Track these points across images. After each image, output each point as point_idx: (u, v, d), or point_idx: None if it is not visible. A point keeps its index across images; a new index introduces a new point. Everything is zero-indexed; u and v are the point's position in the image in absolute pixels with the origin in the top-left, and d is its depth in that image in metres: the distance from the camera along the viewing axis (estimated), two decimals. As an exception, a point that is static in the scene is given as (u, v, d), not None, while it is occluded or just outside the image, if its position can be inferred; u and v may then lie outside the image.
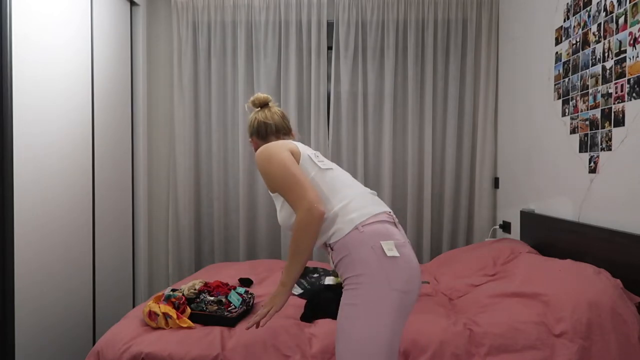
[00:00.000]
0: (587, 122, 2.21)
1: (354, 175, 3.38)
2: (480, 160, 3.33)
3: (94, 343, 2.70)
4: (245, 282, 2.44)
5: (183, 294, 1.93)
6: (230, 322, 1.83)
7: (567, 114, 2.39)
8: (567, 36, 2.40)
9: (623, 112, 1.96)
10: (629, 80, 1.92)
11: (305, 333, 1.76)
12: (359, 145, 3.35)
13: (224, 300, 1.89)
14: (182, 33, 3.37)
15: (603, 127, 2.09)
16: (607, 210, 2.06)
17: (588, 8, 2.22)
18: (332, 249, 1.45)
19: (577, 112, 2.30)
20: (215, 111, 3.40)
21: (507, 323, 1.73)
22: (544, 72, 2.64)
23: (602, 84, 2.11)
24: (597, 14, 2.15)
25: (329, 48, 3.44)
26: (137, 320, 1.87)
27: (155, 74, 3.50)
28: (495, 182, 3.34)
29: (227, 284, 2.09)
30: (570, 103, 2.36)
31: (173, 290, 2.00)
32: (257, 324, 1.47)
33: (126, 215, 3.13)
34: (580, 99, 2.27)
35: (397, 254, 1.38)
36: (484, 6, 3.30)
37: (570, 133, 2.35)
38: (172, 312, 1.81)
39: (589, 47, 2.21)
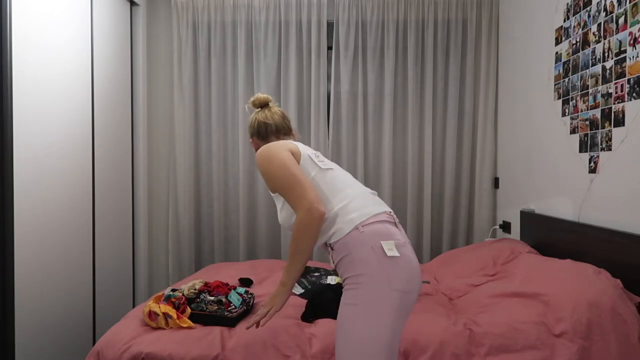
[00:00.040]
0: (587, 122, 2.21)
1: (354, 175, 3.38)
2: (480, 160, 3.33)
3: (94, 343, 2.70)
4: (245, 282, 2.44)
5: (183, 294, 1.93)
6: (230, 322, 1.84)
7: (567, 114, 2.39)
8: (567, 36, 2.40)
9: (623, 112, 1.96)
10: (629, 80, 1.92)
11: (305, 333, 1.76)
12: (359, 145, 3.35)
13: (224, 300, 1.89)
14: (182, 33, 3.37)
15: (603, 127, 2.09)
16: (607, 210, 2.06)
17: (588, 8, 2.22)
18: (332, 249, 1.45)
19: (577, 112, 2.30)
20: (215, 111, 3.40)
21: (507, 323, 1.73)
22: (544, 72, 2.64)
23: (602, 84, 2.11)
24: (597, 14, 2.15)
25: (329, 48, 3.44)
26: (137, 320, 1.87)
27: (155, 74, 3.50)
28: (495, 182, 3.34)
29: (227, 284, 2.09)
30: (570, 103, 2.36)
31: (173, 290, 2.00)
32: (257, 324, 1.47)
33: (126, 215, 3.13)
34: (580, 99, 2.27)
35: (397, 254, 1.38)
36: (484, 6, 3.31)
37: (570, 133, 2.35)
38: (172, 312, 1.81)
39: (589, 47, 2.21)
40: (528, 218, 2.70)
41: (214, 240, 3.42)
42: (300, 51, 3.39)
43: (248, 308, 1.98)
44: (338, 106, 3.41)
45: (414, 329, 1.71)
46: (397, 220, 1.53)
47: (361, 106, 3.35)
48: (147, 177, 3.45)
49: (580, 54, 2.28)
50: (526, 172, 2.84)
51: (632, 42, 1.90)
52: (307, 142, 3.38)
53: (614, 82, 2.02)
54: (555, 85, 2.52)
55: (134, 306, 3.25)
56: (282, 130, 1.72)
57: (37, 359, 2.20)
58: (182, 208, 3.37)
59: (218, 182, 3.41)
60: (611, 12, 2.05)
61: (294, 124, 3.34)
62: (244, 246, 3.38)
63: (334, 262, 1.47)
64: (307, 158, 1.54)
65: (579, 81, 2.29)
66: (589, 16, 2.22)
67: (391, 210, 1.55)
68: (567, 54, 2.40)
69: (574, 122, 2.32)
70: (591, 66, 2.19)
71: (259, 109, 1.76)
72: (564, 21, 2.43)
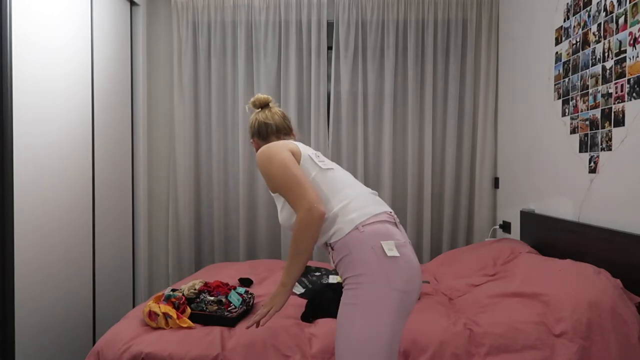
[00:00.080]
0: (587, 122, 2.21)
1: (354, 175, 3.38)
2: (480, 160, 3.33)
3: (94, 343, 2.70)
4: (245, 282, 2.44)
5: (183, 294, 1.93)
6: (230, 322, 1.84)
7: (567, 114, 2.39)
8: (567, 36, 2.40)
9: (623, 112, 1.96)
10: (629, 80, 1.92)
11: (305, 333, 1.76)
12: (359, 145, 3.36)
13: (224, 300, 1.89)
14: (182, 33, 3.37)
15: (603, 127, 2.09)
16: (607, 210, 2.06)
17: (588, 8, 2.22)
18: (332, 249, 1.45)
19: (577, 112, 2.30)
20: (215, 111, 3.40)
21: (507, 323, 1.73)
22: (544, 72, 2.64)
23: (602, 84, 2.11)
24: (597, 14, 2.15)
25: (329, 48, 3.44)
26: (137, 320, 1.87)
27: (155, 74, 3.50)
28: (495, 182, 3.34)
29: (227, 284, 2.09)
30: (570, 103, 2.36)
31: (173, 290, 2.00)
32: (257, 324, 1.47)
33: (126, 215, 3.13)
34: (580, 99, 2.27)
35: (397, 254, 1.38)
36: (484, 6, 3.31)
37: (570, 133, 2.35)
38: (172, 312, 1.81)
39: (589, 47, 2.21)
40: (528, 218, 2.70)
41: (214, 240, 3.42)
42: (300, 51, 3.39)
43: (248, 308, 1.98)
44: (338, 106, 3.41)
45: (414, 329, 1.71)
46: (397, 220, 1.53)
47: (361, 106, 3.35)
48: (147, 177, 3.45)
49: (580, 54, 2.28)
50: (526, 172, 2.84)
51: (632, 42, 1.90)
52: (307, 142, 3.38)
53: (614, 82, 2.02)
54: (555, 85, 2.52)
55: (134, 306, 3.25)
56: (282, 130, 1.72)
57: (37, 359, 2.20)
58: (182, 208, 3.37)
59: (218, 182, 3.41)
60: (611, 12, 2.05)
61: (294, 124, 3.34)
62: (244, 246, 3.38)
63: (334, 262, 1.47)
64: (308, 158, 1.54)
65: (579, 81, 2.29)
66: (589, 16, 2.22)
67: (391, 210, 1.55)
68: (567, 54, 2.40)
69: (574, 122, 2.32)
70: (591, 66, 2.19)
71: (260, 109, 1.76)
72: (564, 21, 2.43)
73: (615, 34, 2.01)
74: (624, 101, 1.95)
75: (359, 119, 3.36)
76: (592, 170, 2.17)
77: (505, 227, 3.13)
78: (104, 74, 2.83)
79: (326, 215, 1.45)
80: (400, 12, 3.33)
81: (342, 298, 1.42)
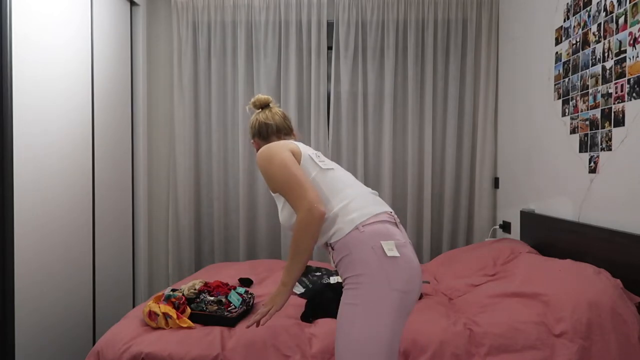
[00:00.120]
0: (587, 122, 2.21)
1: (354, 175, 3.38)
2: (480, 160, 3.33)
3: (94, 343, 2.70)
4: (245, 282, 2.44)
5: (183, 294, 1.93)
6: (230, 322, 1.84)
7: (567, 114, 2.39)
8: (567, 36, 2.40)
9: (623, 112, 1.96)
10: (629, 80, 1.92)
11: (305, 333, 1.76)
12: (359, 145, 3.36)
13: (224, 300, 1.89)
14: (182, 33, 3.37)
15: (603, 127, 2.09)
16: (607, 210, 2.06)
17: (588, 8, 2.22)
18: (332, 249, 1.45)
19: (577, 112, 2.30)
20: (215, 111, 3.40)
21: (507, 323, 1.73)
22: (544, 72, 2.64)
23: (602, 84, 2.11)
24: (597, 14, 2.15)
25: (329, 48, 3.44)
26: (137, 320, 1.87)
27: (155, 74, 3.50)
28: (495, 182, 3.34)
29: (227, 284, 2.09)
30: (570, 103, 2.36)
31: (173, 290, 2.00)
32: (258, 323, 1.47)
33: (126, 215, 3.13)
34: (580, 99, 2.27)
35: (397, 254, 1.38)
36: (484, 6, 3.31)
37: (570, 133, 2.35)
38: (172, 312, 1.81)
39: (589, 47, 2.21)
40: (528, 218, 2.70)
41: (214, 240, 3.42)
42: (300, 51, 3.39)
43: (248, 308, 1.98)
44: (338, 106, 3.41)
45: (414, 329, 1.71)
46: (397, 220, 1.53)
47: (361, 106, 3.35)
48: (147, 177, 3.45)
49: (580, 54, 2.28)
50: (526, 172, 2.84)
51: (632, 42, 1.90)
52: (307, 142, 3.38)
53: (614, 82, 2.02)
54: (555, 85, 2.52)
55: (134, 306, 3.25)
56: (283, 131, 1.72)
57: (37, 359, 2.20)
58: (182, 208, 3.37)
59: (218, 182, 3.41)
60: (611, 12, 2.05)
61: (294, 124, 3.34)
62: (244, 246, 3.38)
63: (334, 262, 1.47)
64: (308, 158, 1.54)
65: (579, 81, 2.29)
66: (589, 16, 2.22)
67: (392, 210, 1.55)
68: (567, 54, 2.40)
69: (574, 122, 2.32)
70: (591, 66, 2.19)
71: (260, 109, 1.76)
72: (564, 21, 2.43)
73: (615, 34, 2.01)
74: (624, 101, 1.95)
75: (359, 119, 3.36)
76: (592, 170, 2.17)
77: (505, 227, 3.13)
78: (104, 74, 2.83)
79: (326, 215, 1.45)
80: (400, 12, 3.33)
81: (342, 298, 1.42)
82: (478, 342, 1.68)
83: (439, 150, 3.40)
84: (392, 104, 3.35)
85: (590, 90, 2.20)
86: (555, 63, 2.52)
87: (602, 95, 2.10)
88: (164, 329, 1.79)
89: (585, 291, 1.76)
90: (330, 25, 3.41)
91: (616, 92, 2.00)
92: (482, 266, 2.39)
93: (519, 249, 2.44)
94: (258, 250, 3.42)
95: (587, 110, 2.21)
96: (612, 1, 2.05)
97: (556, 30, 2.51)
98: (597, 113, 2.14)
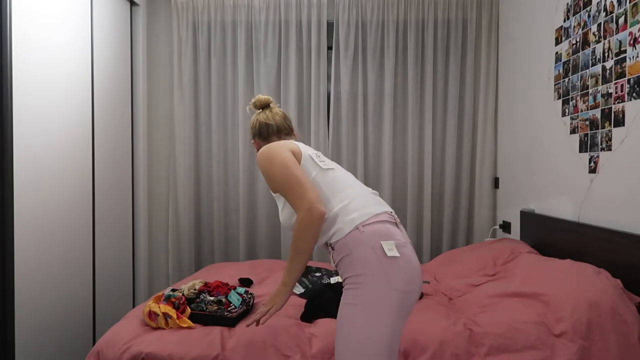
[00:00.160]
0: (587, 122, 2.21)
1: (354, 175, 3.38)
2: (480, 160, 3.33)
3: (94, 343, 2.70)
4: (245, 282, 2.44)
5: (183, 294, 1.93)
6: (230, 322, 1.84)
7: (567, 114, 2.39)
8: (567, 36, 2.40)
9: (623, 112, 1.96)
10: (629, 80, 1.92)
11: (305, 333, 1.76)
12: (359, 145, 3.36)
13: (224, 300, 1.89)
14: (182, 33, 3.37)
15: (603, 127, 2.09)
16: (607, 210, 2.06)
17: (588, 8, 2.22)
18: (333, 249, 1.45)
19: (577, 112, 2.30)
20: (215, 111, 3.40)
21: (507, 323, 1.73)
22: (544, 72, 2.64)
23: (602, 84, 2.11)
24: (597, 14, 2.16)
25: (329, 48, 3.44)
26: (137, 320, 1.87)
27: (155, 74, 3.50)
28: (495, 182, 3.34)
29: (227, 284, 2.09)
30: (570, 103, 2.36)
31: (173, 290, 2.00)
32: (257, 322, 1.47)
33: (126, 215, 3.13)
34: (580, 99, 2.27)
35: (397, 254, 1.38)
36: (484, 6, 3.31)
37: (570, 133, 2.35)
38: (172, 312, 1.81)
39: (589, 47, 2.21)
40: (528, 218, 2.70)
41: (214, 240, 3.42)
42: (300, 51, 3.39)
43: (248, 308, 1.98)
44: (338, 106, 3.41)
45: (414, 329, 1.71)
46: (398, 220, 1.53)
47: (361, 106, 3.35)
48: (147, 177, 3.45)
49: (580, 54, 2.28)
50: (526, 172, 2.84)
51: (632, 42, 1.90)
52: (307, 142, 3.38)
53: (614, 82, 2.02)
54: (555, 85, 2.52)
55: (134, 306, 3.25)
56: (283, 131, 1.72)
57: (37, 359, 2.20)
58: (182, 208, 3.37)
59: (218, 182, 3.41)
60: (611, 12, 2.05)
61: (294, 124, 3.34)
62: (244, 246, 3.38)
63: (334, 262, 1.47)
64: (308, 158, 1.54)
65: (579, 81, 2.29)
66: (589, 16, 2.22)
67: (392, 210, 1.55)
68: (567, 54, 2.40)
69: (574, 122, 2.32)
70: (591, 66, 2.19)
71: (260, 110, 1.76)
72: (564, 21, 2.43)
73: (615, 34, 2.01)
74: (624, 101, 1.95)
75: (359, 119, 3.36)
76: (592, 170, 2.17)
77: (505, 227, 3.13)
78: (104, 74, 2.83)
79: (326, 215, 1.45)
80: (400, 12, 3.33)
81: (342, 298, 1.42)
82: (478, 342, 1.68)
83: (439, 150, 3.40)
84: (392, 104, 3.35)
85: (590, 90, 2.20)
86: (555, 63, 2.52)
87: (602, 95, 2.10)
88: (164, 329, 1.79)
89: (585, 291, 1.76)
90: (330, 25, 3.41)
91: (616, 92, 2.00)
92: (482, 266, 2.39)
93: (519, 249, 2.44)
94: (258, 250, 3.42)
95: (587, 110, 2.21)
96: (612, 1, 2.05)
97: (556, 30, 2.51)
98: (597, 113, 2.14)
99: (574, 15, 2.35)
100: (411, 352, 1.65)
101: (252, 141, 1.77)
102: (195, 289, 1.97)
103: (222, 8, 3.37)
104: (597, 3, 2.15)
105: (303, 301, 2.06)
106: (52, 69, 2.31)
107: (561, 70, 2.46)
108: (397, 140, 3.41)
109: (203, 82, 3.41)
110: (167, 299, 1.88)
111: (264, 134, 1.71)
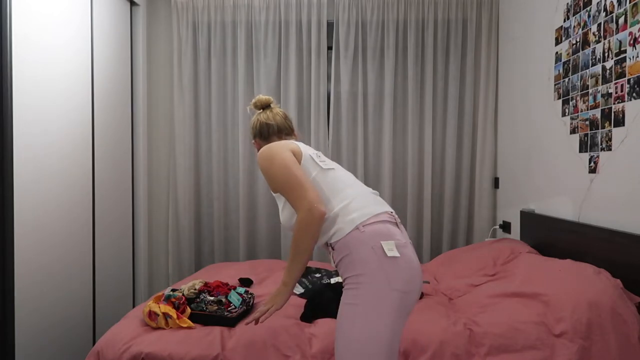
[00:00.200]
0: (587, 122, 2.21)
1: (354, 175, 3.38)
2: (480, 160, 3.33)
3: (94, 343, 2.70)
4: (245, 282, 2.44)
5: (183, 294, 1.93)
6: (230, 322, 1.84)
7: (567, 114, 2.39)
8: (567, 36, 2.40)
9: (623, 112, 1.96)
10: (629, 80, 1.92)
11: (305, 333, 1.76)
12: (359, 145, 3.36)
13: (224, 300, 1.89)
14: (182, 33, 3.37)
15: (603, 127, 2.09)
16: (607, 210, 2.06)
17: (588, 8, 2.22)
18: (333, 249, 1.45)
19: (577, 112, 2.30)
20: (215, 111, 3.40)
21: (507, 323, 1.73)
22: (544, 72, 2.64)
23: (602, 84, 2.11)
24: (597, 14, 2.16)
25: (329, 48, 3.44)
26: (137, 320, 1.87)
27: (155, 74, 3.50)
28: (495, 182, 3.34)
29: (227, 284, 2.09)
30: (570, 103, 2.36)
31: (173, 290, 2.00)
32: (257, 321, 1.47)
33: (126, 215, 3.13)
34: (580, 99, 2.27)
35: (397, 254, 1.38)
36: (484, 6, 3.31)
37: (570, 133, 2.35)
38: (172, 312, 1.81)
39: (589, 47, 2.21)
40: (528, 218, 2.70)
41: (214, 241, 3.42)
42: (300, 51, 3.39)
43: (248, 308, 1.98)
44: (338, 106, 3.41)
45: (414, 329, 1.71)
46: (398, 220, 1.53)
47: (361, 106, 3.35)
48: (147, 177, 3.45)
49: (580, 54, 2.28)
50: (526, 172, 2.85)
51: (632, 42, 1.90)
52: (307, 142, 3.38)
53: (614, 82, 2.02)
54: (555, 85, 2.52)
55: (134, 306, 3.25)
56: (283, 131, 1.73)
57: (37, 359, 2.20)
58: (182, 208, 3.37)
59: (218, 182, 3.41)
60: (611, 12, 2.05)
61: (294, 124, 3.34)
62: (244, 246, 3.38)
63: (334, 262, 1.47)
64: (309, 158, 1.54)
65: (579, 81, 2.29)
66: (589, 16, 2.22)
67: (392, 210, 1.55)
68: (567, 54, 2.40)
69: (574, 122, 2.32)
70: (591, 66, 2.19)
71: (261, 110, 1.76)
72: (564, 21, 2.43)
73: (615, 34, 2.01)
74: (624, 101, 1.95)
75: (359, 119, 3.36)
76: (592, 170, 2.17)
77: (505, 227, 3.13)
78: (104, 74, 2.83)
79: (327, 215, 1.45)
80: (400, 12, 3.33)
81: (342, 298, 1.42)
82: (478, 342, 1.68)
83: (439, 150, 3.40)
84: (392, 104, 3.35)
85: (590, 90, 2.20)
86: (555, 63, 2.52)
87: (602, 95, 2.10)
88: (164, 329, 1.79)
89: (585, 291, 1.76)
90: (330, 25, 3.41)
91: (616, 92, 2.00)
92: (482, 266, 2.39)
93: (519, 249, 2.44)
94: (258, 251, 3.42)
95: (587, 110, 2.21)
96: (612, 1, 2.05)
97: (556, 30, 2.51)
98: (597, 113, 2.14)
99: (574, 15, 2.35)
100: (411, 352, 1.65)
101: (253, 141, 1.77)
102: (195, 289, 1.97)
103: (222, 8, 3.37)
104: (597, 3, 2.15)
105: (303, 301, 2.06)
106: (52, 69, 2.31)
107: (561, 70, 2.46)
108: (397, 140, 3.41)
109: (203, 82, 3.41)
110: (167, 299, 1.88)
111: (265, 134, 1.71)
